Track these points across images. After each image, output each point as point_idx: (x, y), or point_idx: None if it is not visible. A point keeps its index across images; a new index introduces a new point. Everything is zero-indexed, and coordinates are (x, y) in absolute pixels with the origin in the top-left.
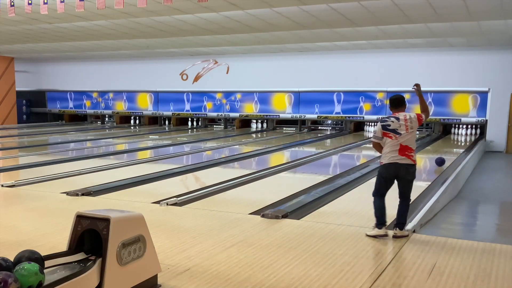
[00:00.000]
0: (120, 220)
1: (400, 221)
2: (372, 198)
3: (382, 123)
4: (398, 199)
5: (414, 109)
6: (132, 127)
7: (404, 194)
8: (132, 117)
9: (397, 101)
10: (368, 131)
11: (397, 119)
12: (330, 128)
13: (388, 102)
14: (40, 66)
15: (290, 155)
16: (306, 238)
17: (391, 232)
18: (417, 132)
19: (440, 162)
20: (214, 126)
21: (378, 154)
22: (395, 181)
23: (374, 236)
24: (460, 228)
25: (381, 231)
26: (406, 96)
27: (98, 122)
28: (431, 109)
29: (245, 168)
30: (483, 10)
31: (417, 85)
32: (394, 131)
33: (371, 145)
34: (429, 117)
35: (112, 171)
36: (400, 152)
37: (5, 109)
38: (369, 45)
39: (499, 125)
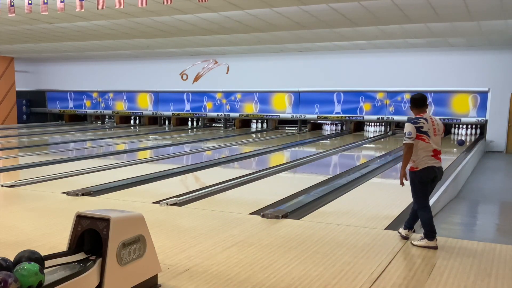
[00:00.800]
0: (120, 220)
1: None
2: (372, 198)
3: (415, 125)
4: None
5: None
6: (132, 127)
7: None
8: (132, 117)
9: (421, 101)
10: (368, 131)
11: (426, 120)
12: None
13: (388, 102)
14: (40, 66)
15: (290, 155)
16: (306, 238)
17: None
18: None
19: (461, 142)
20: (214, 126)
21: (378, 154)
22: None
23: (424, 247)
24: (460, 228)
25: (431, 243)
26: (406, 96)
27: (98, 122)
28: (431, 109)
29: (245, 168)
30: (483, 10)
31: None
32: (427, 133)
33: (404, 149)
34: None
35: (112, 171)
36: (434, 156)
37: (5, 109)
38: (369, 45)
39: (499, 125)
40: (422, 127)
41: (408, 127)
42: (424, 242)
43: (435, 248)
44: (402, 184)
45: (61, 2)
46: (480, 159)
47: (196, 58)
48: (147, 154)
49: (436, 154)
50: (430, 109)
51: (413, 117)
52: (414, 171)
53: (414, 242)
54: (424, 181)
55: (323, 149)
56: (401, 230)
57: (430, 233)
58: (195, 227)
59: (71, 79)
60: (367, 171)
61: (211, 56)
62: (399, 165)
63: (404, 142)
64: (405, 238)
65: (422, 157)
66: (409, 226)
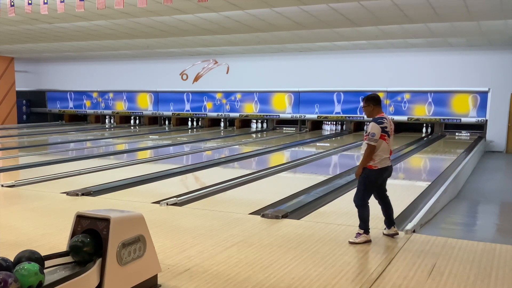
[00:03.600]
0: (120, 220)
1: (392, 220)
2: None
3: (380, 125)
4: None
5: (415, 109)
6: (132, 127)
7: (386, 194)
8: (132, 117)
9: (378, 99)
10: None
11: (387, 120)
12: None
13: (388, 102)
14: (40, 66)
15: (290, 155)
16: (306, 238)
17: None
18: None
19: None
20: (214, 126)
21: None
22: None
23: (363, 242)
24: (460, 228)
25: (368, 237)
26: (406, 96)
27: (98, 122)
28: (431, 109)
29: (245, 168)
30: (483, 10)
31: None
32: (388, 133)
33: (366, 150)
34: (431, 117)
35: (112, 171)
36: (390, 156)
37: (5, 109)
38: (369, 45)
39: (499, 125)
40: (386, 127)
41: (374, 128)
42: (363, 237)
43: (371, 241)
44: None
45: (61, 2)
46: (480, 159)
47: (196, 58)
48: (147, 154)
49: (390, 154)
50: (430, 109)
51: (377, 116)
52: (373, 170)
53: (352, 240)
54: (378, 181)
55: (323, 149)
56: (386, 231)
57: (367, 228)
58: (195, 227)
59: (71, 79)
60: None
61: (211, 56)
62: (398, 165)
63: (368, 143)
64: (395, 234)
65: (383, 158)
66: (391, 222)
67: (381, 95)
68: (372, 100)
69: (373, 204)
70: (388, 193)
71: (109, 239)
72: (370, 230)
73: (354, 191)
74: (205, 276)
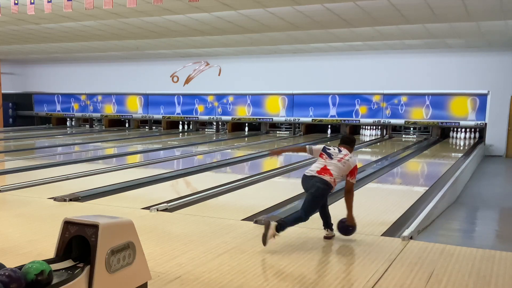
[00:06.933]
0: (109, 226)
1: (284, 220)
2: (368, 204)
3: (325, 146)
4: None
5: (412, 112)
6: (121, 131)
7: (303, 205)
8: (121, 120)
9: (346, 139)
10: (364, 134)
11: (340, 151)
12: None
13: (384, 105)
14: (26, 68)
15: (283, 159)
16: (300, 245)
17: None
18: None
19: (342, 228)
20: (206, 129)
21: (374, 158)
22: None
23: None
24: (459, 235)
25: (328, 233)
26: (403, 99)
27: (86, 126)
28: (429, 112)
29: (238, 173)
30: (482, 10)
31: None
32: (329, 154)
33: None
34: (428, 120)
35: (101, 175)
36: (319, 171)
37: None
38: (365, 47)
39: (498, 129)
40: (329, 149)
41: (318, 146)
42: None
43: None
44: None
45: (48, 2)
46: (479, 164)
47: (187, 59)
48: (137, 158)
49: (323, 171)
50: (428, 112)
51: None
52: (331, 186)
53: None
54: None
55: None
56: (327, 233)
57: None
58: (186, 233)
59: (58, 81)
60: (363, 176)
61: (202, 57)
62: (396, 170)
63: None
64: (331, 237)
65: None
66: (329, 226)
67: (377, 97)
68: (353, 142)
69: (371, 208)
70: (384, 199)
71: (97, 246)
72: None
73: None
74: (197, 284)
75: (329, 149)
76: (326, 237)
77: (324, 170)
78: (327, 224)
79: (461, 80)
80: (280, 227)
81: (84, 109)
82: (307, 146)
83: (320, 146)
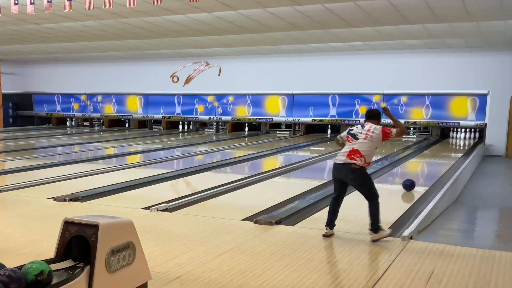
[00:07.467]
0: (109, 226)
1: (372, 224)
2: (366, 203)
3: (349, 128)
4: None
5: (412, 112)
6: (121, 131)
7: (364, 196)
8: (121, 121)
9: (369, 113)
10: None
11: (363, 126)
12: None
13: (384, 105)
14: (26, 68)
15: (283, 159)
16: (300, 245)
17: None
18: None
19: (409, 185)
20: (206, 129)
21: (374, 158)
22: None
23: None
24: (459, 235)
25: (328, 232)
26: (403, 99)
27: (86, 123)
28: (429, 112)
29: (238, 173)
30: (482, 10)
31: (385, 109)
32: (354, 135)
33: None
34: (428, 120)
35: (101, 175)
36: (347, 155)
37: None
38: (365, 47)
39: (498, 129)
40: (352, 130)
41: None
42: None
43: (327, 236)
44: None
45: (48, 2)
46: (479, 164)
47: (187, 59)
48: (137, 158)
49: (351, 153)
50: (428, 112)
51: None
52: (364, 168)
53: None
54: (333, 178)
55: (318, 153)
56: (326, 231)
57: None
58: (186, 233)
59: (58, 82)
60: None
61: (202, 57)
62: (396, 169)
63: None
64: (330, 236)
65: (339, 153)
66: (332, 225)
67: (377, 97)
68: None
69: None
70: (383, 199)
71: (97, 246)
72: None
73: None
74: (197, 284)
75: (352, 130)
76: (325, 235)
77: (353, 152)
78: (331, 223)
79: (461, 80)
80: (376, 229)
81: (84, 109)
82: (337, 137)
83: (346, 131)
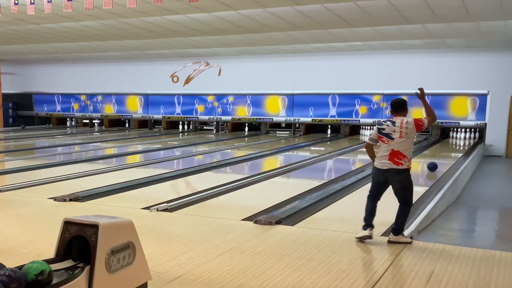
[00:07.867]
0: (109, 226)
1: (395, 227)
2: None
3: (378, 126)
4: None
5: (412, 112)
6: (121, 131)
7: (400, 200)
8: (121, 121)
9: (395, 105)
10: (364, 134)
11: (393, 123)
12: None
13: (384, 105)
14: (26, 68)
15: (283, 159)
16: (300, 245)
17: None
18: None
19: (432, 167)
20: (206, 129)
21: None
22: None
23: (360, 239)
24: (459, 235)
25: (365, 232)
26: (404, 99)
27: (87, 123)
28: None
29: (238, 173)
30: (482, 10)
31: (421, 90)
32: (388, 135)
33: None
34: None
35: (101, 176)
36: (389, 158)
37: None
38: (365, 47)
39: (498, 129)
40: (384, 129)
41: (373, 130)
42: (361, 233)
43: (369, 237)
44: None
45: (48, 2)
46: (479, 164)
47: (187, 59)
48: (137, 158)
49: (393, 156)
50: None
51: (382, 119)
52: (408, 169)
53: (356, 236)
54: (376, 181)
55: (318, 153)
56: (366, 232)
57: (364, 222)
58: (186, 233)
59: (58, 82)
60: (362, 176)
61: (202, 57)
62: None
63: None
64: (369, 237)
65: (378, 157)
66: (372, 225)
67: (377, 97)
68: (390, 106)
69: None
70: (384, 199)
71: (97, 246)
72: (367, 227)
73: (349, 196)
74: (197, 284)
75: (384, 129)
76: (363, 238)
77: (394, 154)
78: (371, 222)
79: (461, 80)
80: (397, 232)
81: (84, 109)
82: (368, 141)
83: (375, 130)
